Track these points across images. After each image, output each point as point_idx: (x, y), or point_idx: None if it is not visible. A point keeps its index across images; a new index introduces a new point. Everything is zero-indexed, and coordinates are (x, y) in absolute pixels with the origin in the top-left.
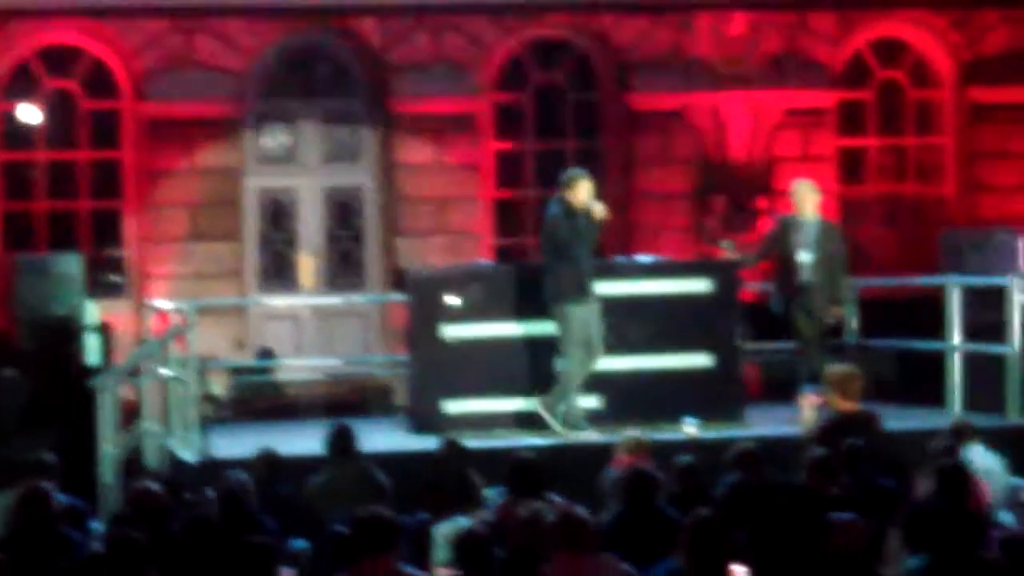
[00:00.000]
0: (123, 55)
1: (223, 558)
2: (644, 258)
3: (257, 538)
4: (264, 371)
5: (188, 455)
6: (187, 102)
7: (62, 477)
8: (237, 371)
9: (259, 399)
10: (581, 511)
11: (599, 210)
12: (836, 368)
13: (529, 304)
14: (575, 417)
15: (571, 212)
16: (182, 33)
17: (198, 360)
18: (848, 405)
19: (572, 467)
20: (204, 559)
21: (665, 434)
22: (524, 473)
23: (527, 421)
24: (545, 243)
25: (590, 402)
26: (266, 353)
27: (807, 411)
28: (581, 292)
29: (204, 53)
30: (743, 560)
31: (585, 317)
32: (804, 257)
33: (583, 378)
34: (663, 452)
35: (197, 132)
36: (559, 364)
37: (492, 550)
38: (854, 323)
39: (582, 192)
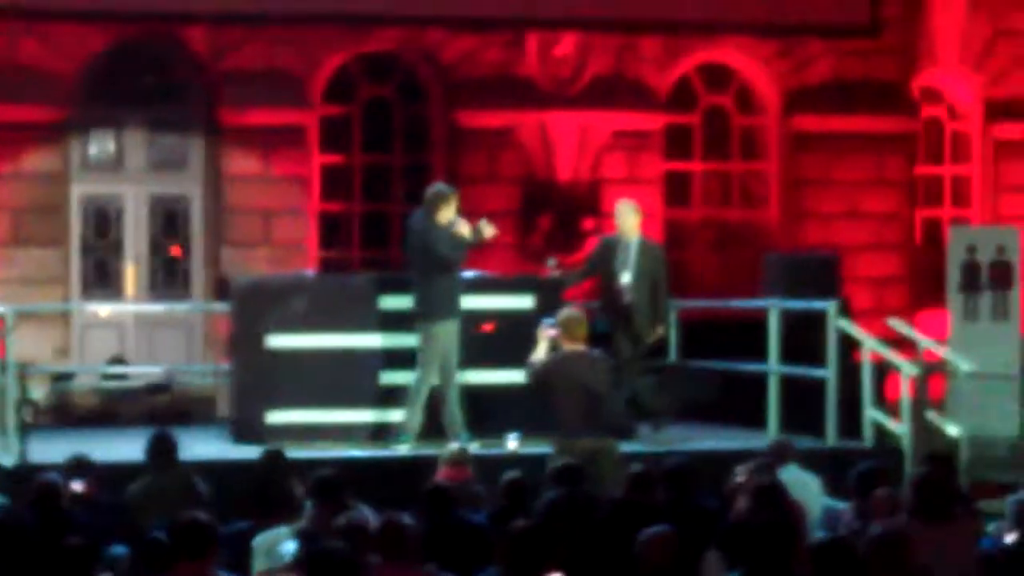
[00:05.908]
0: None
1: (39, 561)
2: (468, 273)
3: (74, 540)
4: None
5: (6, 459)
6: (11, 105)
7: None
8: (58, 377)
9: (80, 407)
10: (404, 518)
11: (489, 232)
12: (564, 311)
13: (353, 316)
14: (410, 430)
15: (439, 227)
16: (7, 35)
17: (18, 365)
18: (573, 345)
19: (399, 479)
20: (18, 562)
21: (489, 449)
22: (325, 488)
23: (349, 433)
24: (418, 257)
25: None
26: (117, 360)
27: (542, 344)
28: (453, 310)
29: (30, 56)
30: (561, 572)
31: (450, 335)
32: (625, 278)
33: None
34: (486, 466)
35: (21, 136)
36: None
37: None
38: (674, 344)
39: (453, 209)
